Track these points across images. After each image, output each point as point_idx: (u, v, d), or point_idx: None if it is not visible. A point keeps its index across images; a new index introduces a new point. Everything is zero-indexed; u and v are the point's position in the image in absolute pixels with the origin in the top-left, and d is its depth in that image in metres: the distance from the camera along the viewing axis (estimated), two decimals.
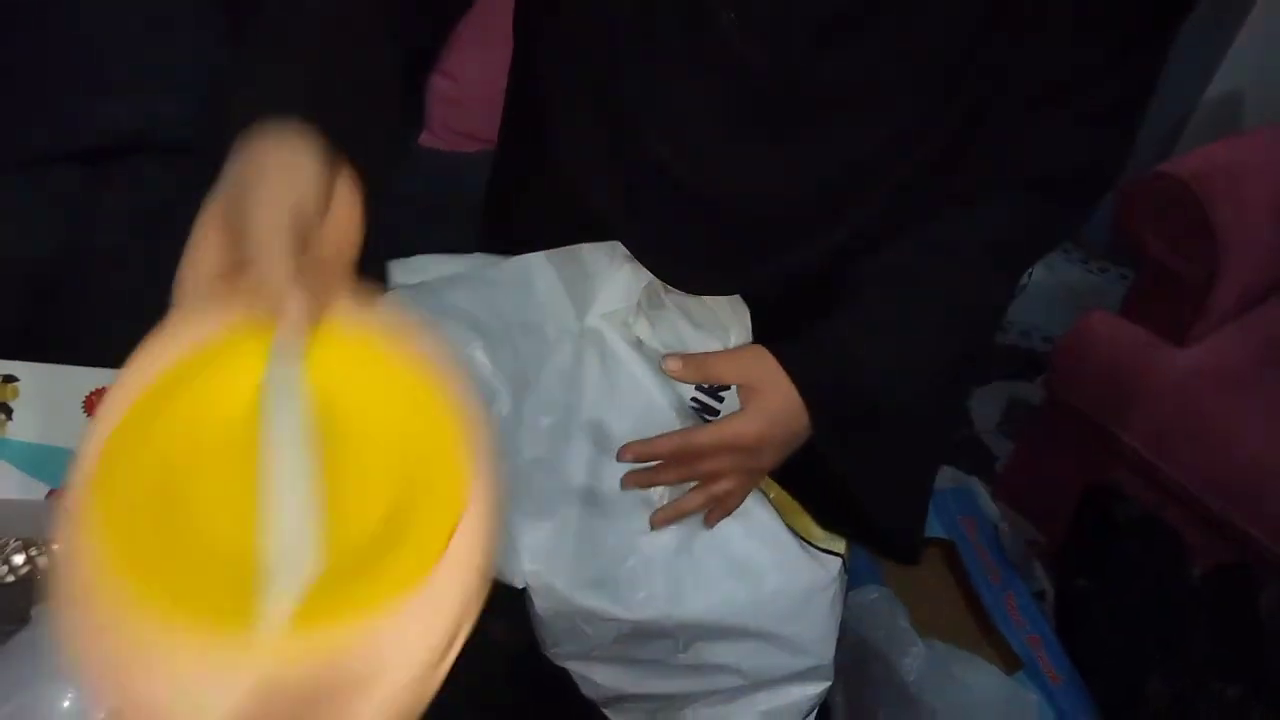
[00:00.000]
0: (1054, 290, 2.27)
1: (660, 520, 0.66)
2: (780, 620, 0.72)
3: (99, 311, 1.31)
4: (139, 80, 1.49)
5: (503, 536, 0.67)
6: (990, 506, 1.54)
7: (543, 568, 0.67)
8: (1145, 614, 1.30)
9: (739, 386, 0.63)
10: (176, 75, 1.50)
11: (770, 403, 0.61)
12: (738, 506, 0.67)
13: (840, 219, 0.66)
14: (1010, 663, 1.35)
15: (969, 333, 0.69)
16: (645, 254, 0.69)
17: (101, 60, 1.46)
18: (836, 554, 0.75)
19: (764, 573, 0.70)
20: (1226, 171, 1.37)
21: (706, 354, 0.66)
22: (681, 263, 0.69)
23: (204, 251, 0.44)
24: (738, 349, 0.67)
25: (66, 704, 0.51)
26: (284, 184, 0.43)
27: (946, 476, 1.59)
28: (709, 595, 0.69)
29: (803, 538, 0.74)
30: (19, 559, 0.67)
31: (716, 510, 0.67)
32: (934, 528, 1.50)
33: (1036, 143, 0.64)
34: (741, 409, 0.62)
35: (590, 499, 0.68)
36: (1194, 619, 1.24)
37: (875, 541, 0.76)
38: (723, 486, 0.64)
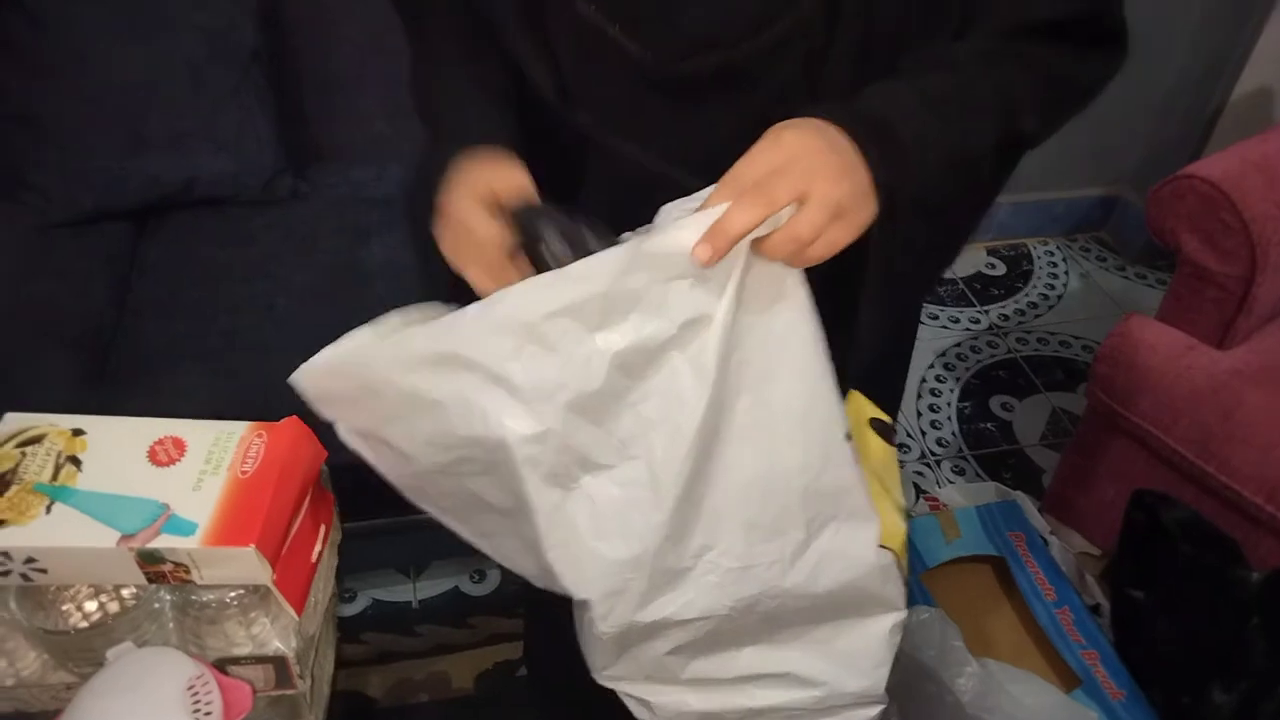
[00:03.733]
0: (1092, 298, 2.25)
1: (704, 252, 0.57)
2: (840, 629, 0.72)
3: (148, 359, 1.35)
4: (181, 139, 1.54)
5: (576, 547, 0.67)
6: (1039, 520, 1.52)
7: (616, 584, 0.66)
8: (1203, 622, 1.28)
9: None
10: (217, 133, 1.55)
11: (795, 122, 0.59)
12: (824, 247, 0.59)
13: None
14: (1068, 680, 1.33)
15: (982, 103, 0.66)
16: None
17: (145, 121, 1.52)
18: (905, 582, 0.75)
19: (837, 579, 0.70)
20: (1258, 168, 1.36)
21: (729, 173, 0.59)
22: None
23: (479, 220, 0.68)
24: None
25: None
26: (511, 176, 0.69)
27: (992, 492, 1.58)
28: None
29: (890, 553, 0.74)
30: (91, 605, 0.69)
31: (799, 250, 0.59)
32: (983, 544, 1.48)
33: (1013, 5, 0.66)
34: None
35: (673, 524, 0.66)
36: (1253, 623, 1.21)
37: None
38: (802, 221, 0.57)
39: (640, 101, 0.71)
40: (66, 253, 1.49)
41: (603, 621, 0.67)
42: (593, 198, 0.77)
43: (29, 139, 1.50)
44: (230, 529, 0.63)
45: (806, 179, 0.56)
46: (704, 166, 0.70)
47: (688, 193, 0.66)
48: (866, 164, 0.59)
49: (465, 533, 0.74)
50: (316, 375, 0.69)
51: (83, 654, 0.64)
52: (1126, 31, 0.69)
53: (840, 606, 0.72)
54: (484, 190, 0.68)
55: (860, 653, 0.74)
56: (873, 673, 0.74)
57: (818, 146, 0.58)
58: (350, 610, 1.51)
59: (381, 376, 0.67)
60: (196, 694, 0.54)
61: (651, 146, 0.72)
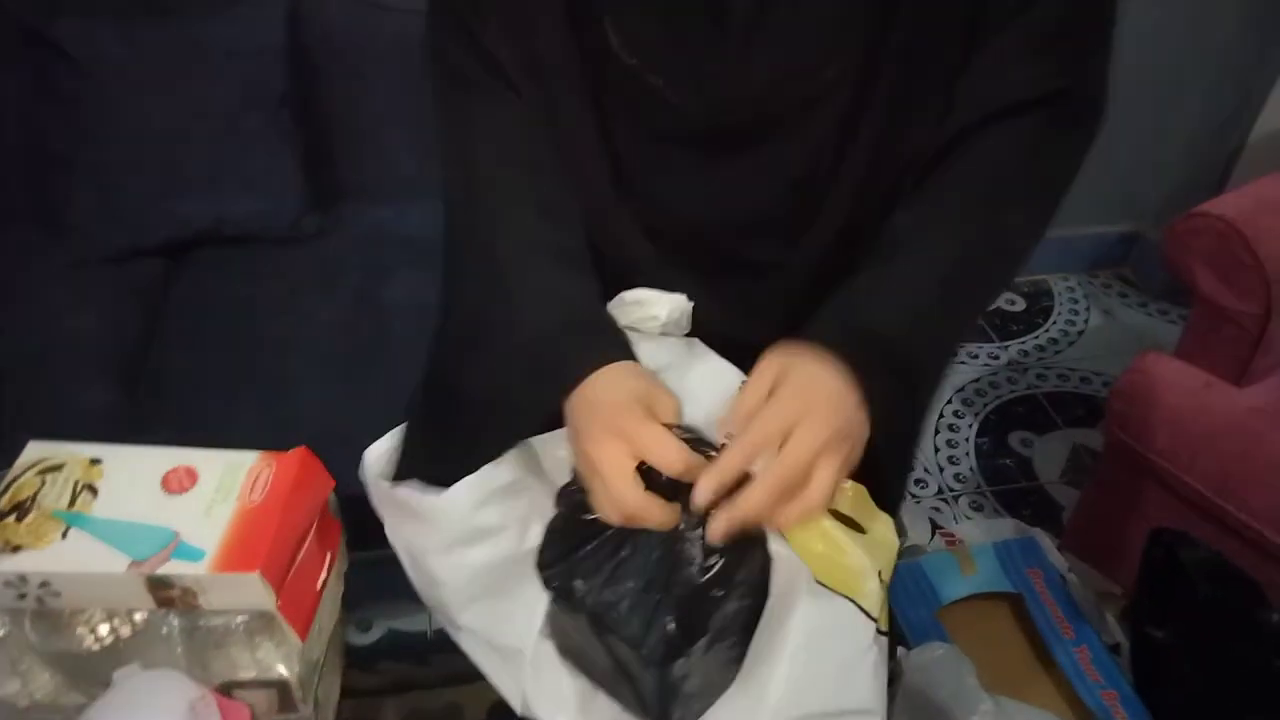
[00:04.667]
0: (1114, 334, 2.23)
1: (719, 531, 0.59)
2: (832, 693, 0.72)
3: (175, 390, 1.39)
4: (212, 179, 1.59)
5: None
6: (1057, 557, 1.50)
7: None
8: (1225, 662, 1.25)
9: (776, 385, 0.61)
10: (246, 174, 1.60)
11: (803, 369, 0.60)
12: (827, 492, 0.59)
13: (813, 225, 0.72)
14: None
15: (979, 273, 0.68)
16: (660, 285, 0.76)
17: (178, 163, 1.57)
18: (873, 617, 0.75)
19: (815, 652, 0.70)
20: (1275, 207, 1.36)
21: (737, 409, 0.61)
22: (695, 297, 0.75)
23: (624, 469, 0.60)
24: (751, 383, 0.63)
25: None
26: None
27: (1010, 528, 1.57)
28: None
29: (846, 596, 0.74)
30: (104, 629, 0.71)
31: (797, 502, 0.59)
32: (1000, 581, 1.47)
33: (990, 74, 0.65)
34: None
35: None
36: (1277, 666, 1.19)
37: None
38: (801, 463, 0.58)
39: (669, 156, 0.73)
40: (100, 288, 1.54)
41: None
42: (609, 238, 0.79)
43: (68, 180, 1.56)
44: (236, 555, 0.65)
45: (812, 447, 0.57)
46: (723, 221, 0.73)
47: (703, 241, 0.72)
48: (865, 399, 0.60)
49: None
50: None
51: (94, 676, 0.66)
52: (1106, 103, 0.69)
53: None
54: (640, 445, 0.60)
55: (859, 703, 0.73)
56: (870, 701, 0.74)
57: (819, 399, 0.58)
58: (366, 640, 1.53)
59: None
60: (198, 715, 0.56)
61: (677, 201, 0.74)
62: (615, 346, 0.66)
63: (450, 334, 0.84)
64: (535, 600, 0.72)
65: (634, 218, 0.77)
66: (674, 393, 0.65)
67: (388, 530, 0.76)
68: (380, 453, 0.76)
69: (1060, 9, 0.63)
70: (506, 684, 0.75)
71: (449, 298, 0.83)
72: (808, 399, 0.58)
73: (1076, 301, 2.33)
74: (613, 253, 0.75)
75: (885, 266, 0.66)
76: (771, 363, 0.61)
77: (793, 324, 0.72)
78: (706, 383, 0.71)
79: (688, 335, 0.77)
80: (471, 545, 0.71)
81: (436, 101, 0.75)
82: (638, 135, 0.72)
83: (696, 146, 0.71)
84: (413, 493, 0.71)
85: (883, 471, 0.67)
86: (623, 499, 0.59)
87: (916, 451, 0.83)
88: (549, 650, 0.73)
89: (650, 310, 0.73)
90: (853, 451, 0.60)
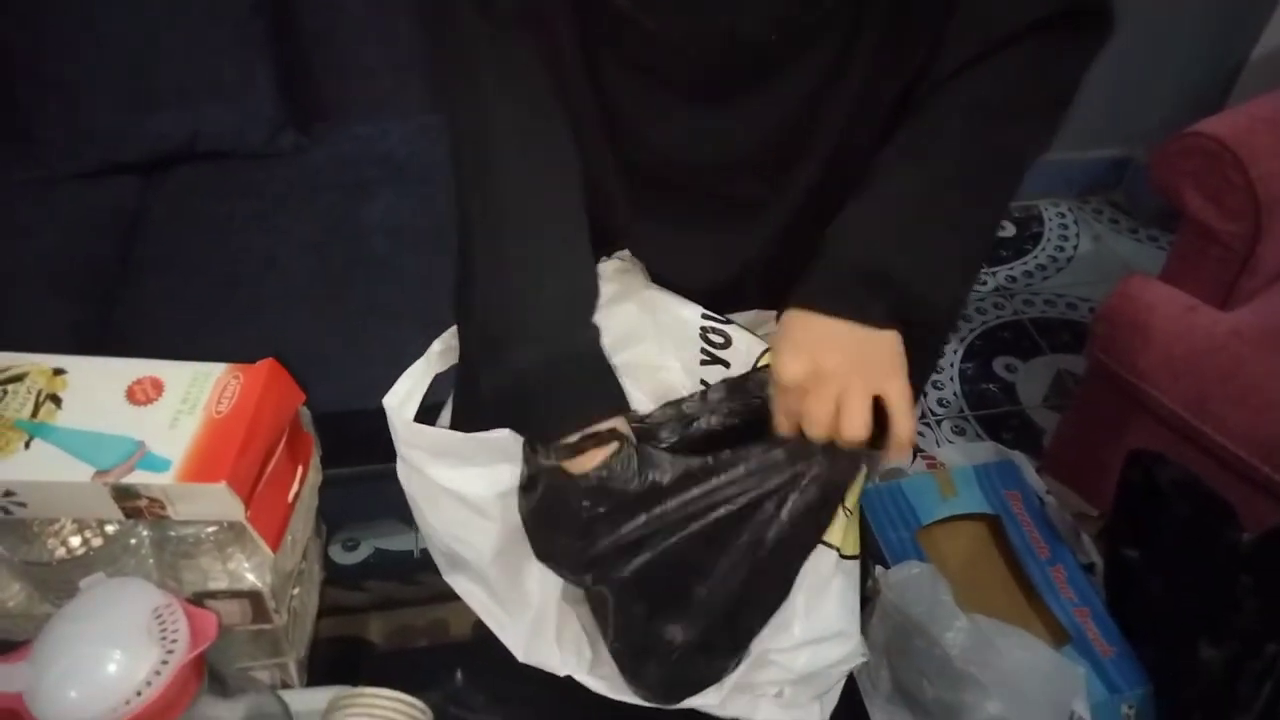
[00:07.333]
0: (1103, 261, 2.22)
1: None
2: (806, 625, 0.73)
3: (150, 309, 1.37)
4: (185, 93, 1.55)
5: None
6: (1036, 480, 1.51)
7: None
8: (1194, 581, 1.27)
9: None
10: (220, 88, 1.56)
11: (795, 336, 0.62)
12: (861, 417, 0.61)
13: (799, 163, 0.71)
14: (1059, 636, 1.33)
15: (976, 183, 0.67)
16: (643, 253, 0.77)
17: (150, 76, 1.53)
18: (833, 546, 0.76)
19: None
20: (1268, 126, 1.34)
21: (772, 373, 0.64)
22: (681, 255, 0.76)
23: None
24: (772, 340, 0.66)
25: (111, 668, 0.54)
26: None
27: (991, 451, 1.57)
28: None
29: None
30: (75, 540, 0.71)
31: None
32: (979, 503, 1.48)
33: (981, 8, 0.63)
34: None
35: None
36: (1244, 583, 1.21)
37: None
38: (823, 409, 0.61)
39: (662, 99, 0.71)
40: (72, 206, 1.51)
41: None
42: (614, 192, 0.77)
43: (36, 95, 1.52)
44: (203, 466, 0.64)
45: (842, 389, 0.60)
46: (713, 161, 0.72)
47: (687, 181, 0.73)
48: (868, 321, 0.61)
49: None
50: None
51: (63, 586, 0.66)
52: (1113, 12, 0.66)
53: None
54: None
55: (830, 628, 0.75)
56: (845, 632, 0.76)
57: (847, 364, 0.60)
58: (353, 559, 1.54)
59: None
60: (163, 621, 0.56)
61: (667, 144, 0.73)
62: (605, 401, 0.67)
63: (466, 313, 0.82)
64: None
65: (618, 165, 0.75)
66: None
67: (404, 477, 0.74)
68: (400, 396, 0.73)
69: None
70: (511, 630, 0.76)
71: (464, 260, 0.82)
72: (840, 376, 0.60)
73: (1066, 227, 2.31)
74: (596, 203, 0.73)
75: (870, 190, 0.65)
76: (796, 351, 0.62)
77: (768, 270, 0.75)
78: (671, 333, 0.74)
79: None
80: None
81: (444, 57, 0.72)
82: (630, 80, 0.70)
83: (691, 89, 0.70)
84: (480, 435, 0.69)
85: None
86: None
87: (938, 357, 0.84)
88: (569, 611, 0.74)
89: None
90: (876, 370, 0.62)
